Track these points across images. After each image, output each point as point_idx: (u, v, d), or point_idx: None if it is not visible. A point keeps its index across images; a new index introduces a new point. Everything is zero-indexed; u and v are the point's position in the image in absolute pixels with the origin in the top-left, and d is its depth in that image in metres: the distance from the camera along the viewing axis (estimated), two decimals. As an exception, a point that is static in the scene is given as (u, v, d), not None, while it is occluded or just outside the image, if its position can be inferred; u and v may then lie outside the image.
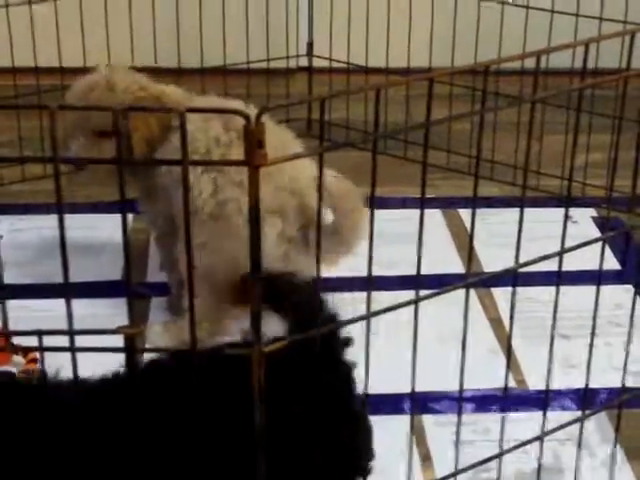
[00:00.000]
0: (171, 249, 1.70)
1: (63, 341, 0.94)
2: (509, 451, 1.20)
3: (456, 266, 1.90)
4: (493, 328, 1.74)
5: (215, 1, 2.36)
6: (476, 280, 1.05)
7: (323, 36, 2.41)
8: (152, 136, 1.61)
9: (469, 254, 1.05)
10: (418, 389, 1.13)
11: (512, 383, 1.58)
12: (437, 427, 1.50)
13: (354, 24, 2.36)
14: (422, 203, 0.93)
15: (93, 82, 1.65)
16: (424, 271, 1.13)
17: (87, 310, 1.64)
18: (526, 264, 1.07)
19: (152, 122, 1.61)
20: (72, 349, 0.94)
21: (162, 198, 1.66)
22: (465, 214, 2.10)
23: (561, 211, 1.96)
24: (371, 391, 1.12)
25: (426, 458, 1.45)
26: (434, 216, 2.07)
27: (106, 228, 1.99)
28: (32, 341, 0.98)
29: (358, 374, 1.14)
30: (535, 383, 1.60)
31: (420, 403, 1.53)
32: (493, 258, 1.88)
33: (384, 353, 1.22)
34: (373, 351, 1.06)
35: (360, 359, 1.13)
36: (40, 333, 0.96)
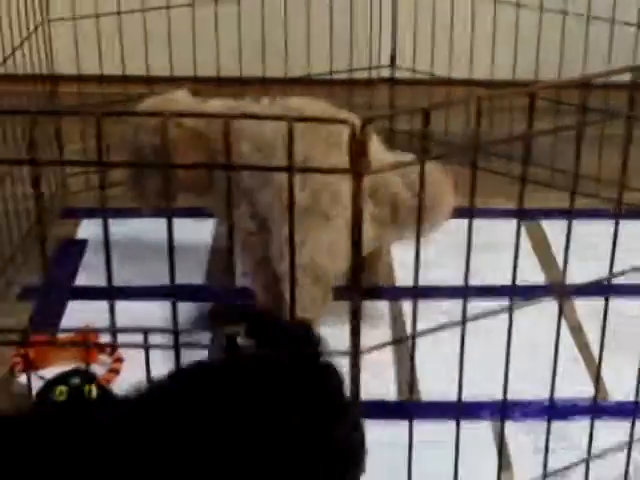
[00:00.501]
0: (258, 249, 1.73)
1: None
2: (594, 458, 1.22)
3: (538, 277, 1.91)
4: (574, 337, 1.74)
5: (300, 12, 2.40)
6: (569, 290, 1.07)
7: (406, 47, 2.44)
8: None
9: (564, 264, 1.07)
10: (501, 397, 1.15)
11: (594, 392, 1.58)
12: (520, 434, 1.51)
13: (437, 35, 2.38)
14: (519, 214, 0.96)
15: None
16: (505, 281, 1.16)
17: (161, 313, 1.68)
18: (618, 274, 1.08)
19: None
20: (176, 346, 0.98)
21: (245, 201, 1.71)
22: (547, 225, 2.10)
23: (640, 224, 1.99)
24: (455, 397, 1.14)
25: (507, 465, 1.46)
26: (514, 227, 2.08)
27: (184, 232, 2.01)
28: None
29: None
30: (617, 393, 1.59)
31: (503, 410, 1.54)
32: (574, 269, 1.89)
33: (465, 361, 1.24)
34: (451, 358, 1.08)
35: (452, 366, 1.16)
36: (146, 331, 1.00)
